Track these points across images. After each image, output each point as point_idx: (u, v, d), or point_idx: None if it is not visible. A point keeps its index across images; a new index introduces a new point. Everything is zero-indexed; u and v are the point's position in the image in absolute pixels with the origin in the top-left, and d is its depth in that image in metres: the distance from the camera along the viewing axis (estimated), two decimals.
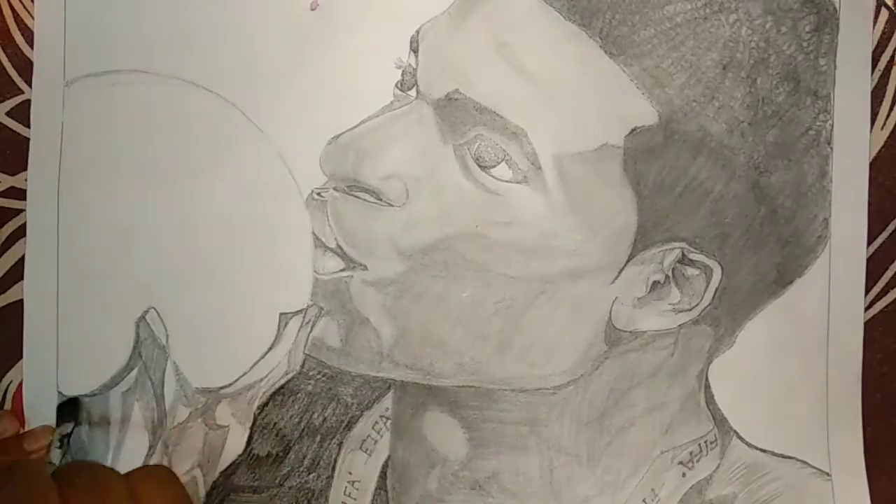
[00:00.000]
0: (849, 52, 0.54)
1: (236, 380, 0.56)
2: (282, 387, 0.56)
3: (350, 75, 0.55)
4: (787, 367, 0.56)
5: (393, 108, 0.54)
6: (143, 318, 0.56)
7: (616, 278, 0.53)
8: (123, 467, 0.56)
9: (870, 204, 0.55)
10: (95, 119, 0.55)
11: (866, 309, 0.56)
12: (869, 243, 0.56)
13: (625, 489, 0.56)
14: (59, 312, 0.56)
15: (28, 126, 0.56)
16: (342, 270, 0.54)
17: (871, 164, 0.55)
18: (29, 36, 0.56)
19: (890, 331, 0.56)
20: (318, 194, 0.54)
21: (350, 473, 0.57)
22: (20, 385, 0.57)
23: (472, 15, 0.53)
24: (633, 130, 0.52)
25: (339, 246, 0.54)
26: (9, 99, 0.56)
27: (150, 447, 0.56)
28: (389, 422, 0.57)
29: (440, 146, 0.53)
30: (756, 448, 0.56)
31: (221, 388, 0.56)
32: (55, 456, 0.55)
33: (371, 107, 0.54)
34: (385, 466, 0.57)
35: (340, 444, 0.57)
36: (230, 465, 0.56)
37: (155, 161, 0.55)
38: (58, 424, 0.55)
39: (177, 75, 0.55)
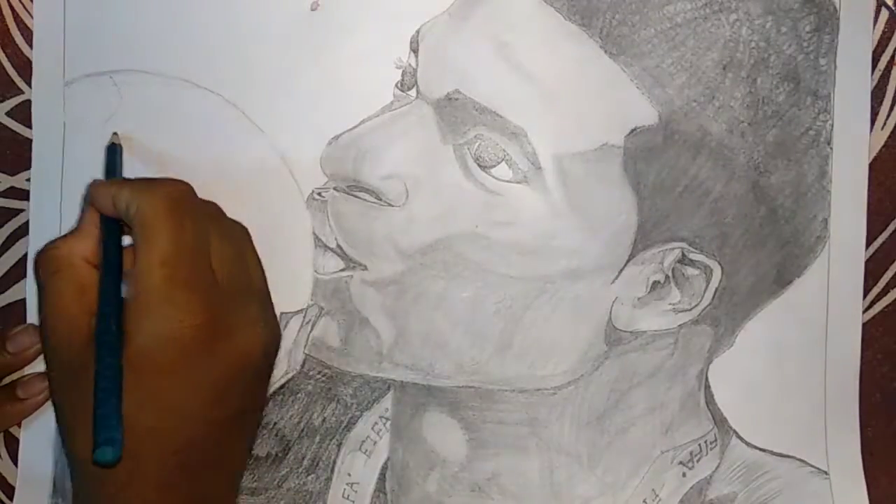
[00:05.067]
0: (849, 52, 0.54)
1: None
2: (281, 386, 0.56)
3: (350, 75, 0.55)
4: (786, 366, 0.56)
5: (393, 108, 0.54)
6: None
7: (616, 278, 0.53)
8: None
9: (869, 204, 0.55)
10: (96, 119, 0.55)
11: (866, 309, 0.56)
12: (868, 244, 0.56)
13: (625, 489, 0.56)
14: None
15: (28, 126, 0.55)
16: (342, 270, 0.54)
17: (871, 165, 0.55)
18: (28, 36, 0.55)
19: (889, 331, 0.57)
20: (319, 194, 0.54)
21: (349, 475, 0.57)
22: None
23: (472, 15, 0.53)
24: (633, 130, 0.52)
25: (339, 246, 0.54)
26: (9, 99, 0.56)
27: None
28: (389, 422, 0.57)
29: (440, 146, 0.53)
30: (755, 447, 0.56)
31: None
32: None
33: (371, 107, 0.54)
34: (384, 468, 0.57)
35: (340, 445, 0.57)
36: None
37: (155, 161, 0.55)
38: None
39: (177, 75, 0.55)
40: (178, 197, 0.46)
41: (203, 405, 0.44)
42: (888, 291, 0.56)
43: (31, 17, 0.56)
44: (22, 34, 0.56)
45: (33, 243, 0.55)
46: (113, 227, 0.48)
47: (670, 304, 0.54)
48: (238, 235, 0.49)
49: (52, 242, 0.48)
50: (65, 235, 0.48)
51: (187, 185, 0.47)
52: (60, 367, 0.45)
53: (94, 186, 0.49)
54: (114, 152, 0.53)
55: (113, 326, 0.43)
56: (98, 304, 0.45)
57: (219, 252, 0.46)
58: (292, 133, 0.55)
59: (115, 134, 0.54)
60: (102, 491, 0.44)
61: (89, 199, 0.49)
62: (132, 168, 0.54)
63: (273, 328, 0.48)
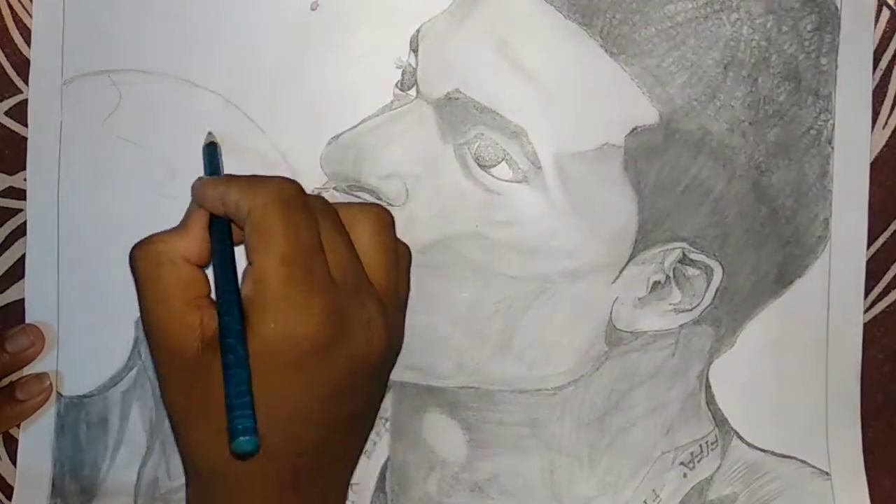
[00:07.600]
0: (850, 51, 0.54)
1: None
2: None
3: (350, 75, 0.55)
4: (787, 367, 0.56)
5: (393, 107, 0.54)
6: None
7: (617, 278, 0.53)
8: (121, 467, 0.56)
9: (871, 204, 0.55)
10: (94, 118, 0.55)
11: (867, 309, 0.56)
12: (869, 243, 0.56)
13: (626, 490, 0.56)
14: (59, 312, 0.56)
15: (27, 126, 0.55)
16: None
17: (872, 164, 0.55)
18: (27, 35, 0.55)
19: (890, 331, 0.56)
20: (319, 194, 0.54)
21: None
22: None
23: (472, 14, 0.53)
24: (633, 130, 0.52)
25: None
26: (7, 98, 0.56)
27: (149, 447, 0.56)
28: (389, 423, 0.56)
29: (440, 146, 0.53)
30: (756, 448, 0.56)
31: None
32: None
33: (371, 106, 0.54)
34: (384, 468, 0.57)
35: None
36: None
37: (154, 161, 0.55)
38: None
39: (177, 75, 0.55)
40: (290, 195, 0.44)
41: (323, 406, 0.44)
42: (889, 291, 0.56)
43: (30, 16, 0.56)
44: (21, 34, 0.56)
45: (31, 243, 0.56)
46: (223, 225, 0.47)
47: (671, 304, 0.54)
48: (363, 232, 0.48)
49: (152, 238, 0.46)
50: (166, 232, 0.47)
51: (296, 182, 0.45)
52: (171, 361, 0.44)
53: (200, 185, 0.48)
54: (213, 151, 0.53)
55: (238, 322, 0.43)
56: (218, 301, 0.44)
57: (333, 250, 0.45)
58: (292, 133, 0.55)
59: (210, 133, 0.54)
60: (220, 493, 0.44)
61: (195, 198, 0.48)
62: (136, 169, 0.55)
63: (393, 329, 0.47)
